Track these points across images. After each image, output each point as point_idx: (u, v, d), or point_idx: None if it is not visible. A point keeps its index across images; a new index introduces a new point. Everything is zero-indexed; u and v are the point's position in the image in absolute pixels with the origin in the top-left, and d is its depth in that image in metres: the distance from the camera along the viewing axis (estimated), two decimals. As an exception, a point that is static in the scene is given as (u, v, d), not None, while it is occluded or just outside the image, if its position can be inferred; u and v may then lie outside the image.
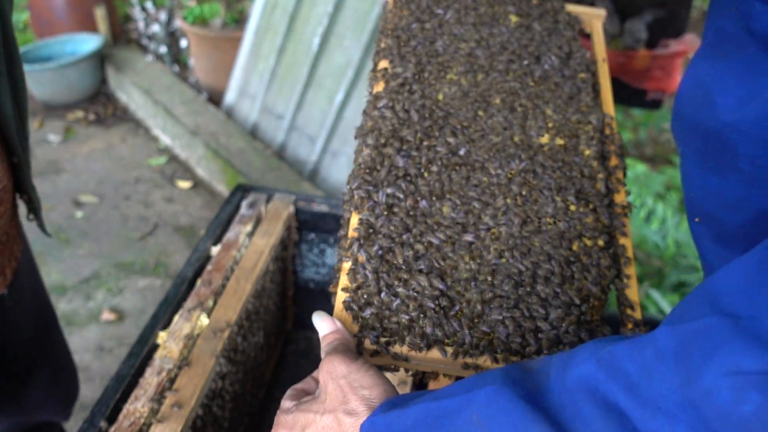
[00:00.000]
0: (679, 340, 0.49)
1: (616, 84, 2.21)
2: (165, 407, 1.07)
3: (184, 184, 3.29)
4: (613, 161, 0.97)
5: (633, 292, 0.86)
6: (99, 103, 3.86)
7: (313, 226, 1.54)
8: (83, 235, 2.95)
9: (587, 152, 0.96)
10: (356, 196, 0.90)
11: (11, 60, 1.08)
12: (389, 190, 0.89)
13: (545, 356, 0.62)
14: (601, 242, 0.87)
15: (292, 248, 1.56)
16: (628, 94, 2.44)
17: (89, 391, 2.23)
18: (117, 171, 3.36)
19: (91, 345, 2.43)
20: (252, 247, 1.38)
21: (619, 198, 0.94)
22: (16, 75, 1.11)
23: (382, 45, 1.10)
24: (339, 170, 3.09)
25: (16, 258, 1.23)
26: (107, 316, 2.54)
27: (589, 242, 0.87)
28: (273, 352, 1.60)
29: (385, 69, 1.06)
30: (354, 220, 0.88)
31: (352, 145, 3.08)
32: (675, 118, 0.84)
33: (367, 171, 0.92)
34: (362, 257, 0.83)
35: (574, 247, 0.86)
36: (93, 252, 2.85)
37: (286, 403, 0.78)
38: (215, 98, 3.78)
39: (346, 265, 0.85)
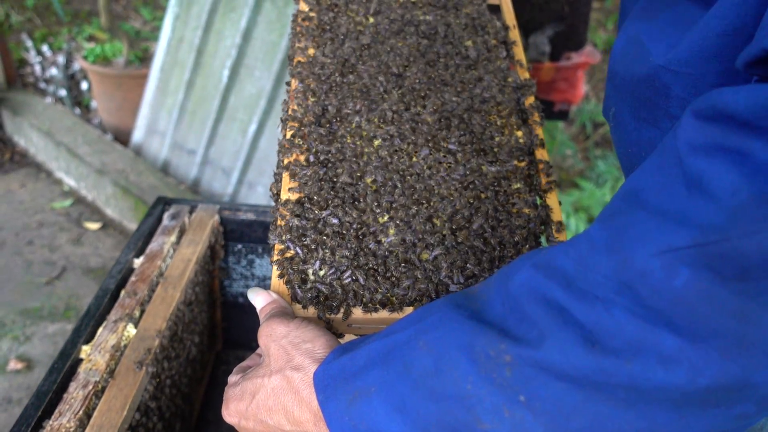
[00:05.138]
0: (611, 231, 0.51)
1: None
2: (94, 420, 0.98)
3: (93, 226, 3.13)
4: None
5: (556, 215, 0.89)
6: (-6, 148, 3.65)
7: (239, 236, 1.49)
8: (-18, 283, 2.74)
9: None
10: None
11: None
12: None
13: (485, 279, 0.63)
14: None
15: (220, 260, 1.50)
16: (536, 107, 2.52)
17: (-3, 446, 2.05)
18: (17, 216, 3.17)
19: (-3, 397, 2.24)
20: (178, 256, 1.32)
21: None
22: None
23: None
24: (257, 200, 3.03)
25: None
26: (14, 365, 2.35)
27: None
28: (204, 372, 1.52)
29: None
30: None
31: (269, 175, 3.03)
32: (609, 78, 0.88)
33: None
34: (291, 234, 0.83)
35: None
36: (-6, 300, 2.66)
37: (232, 378, 0.77)
38: (121, 139, 3.65)
39: (279, 246, 0.83)
